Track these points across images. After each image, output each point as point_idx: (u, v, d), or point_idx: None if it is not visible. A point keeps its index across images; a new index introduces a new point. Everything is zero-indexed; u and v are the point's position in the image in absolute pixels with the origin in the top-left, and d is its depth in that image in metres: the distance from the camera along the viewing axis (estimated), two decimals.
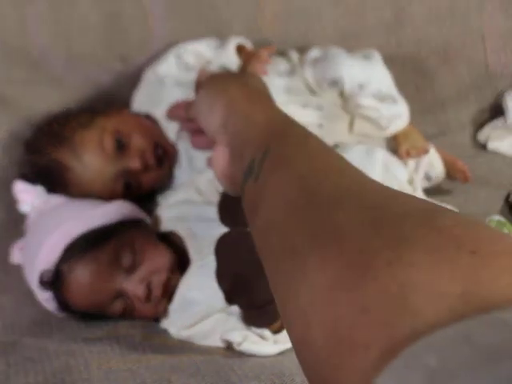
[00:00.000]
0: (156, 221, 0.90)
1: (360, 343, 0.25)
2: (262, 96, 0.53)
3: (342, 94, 0.94)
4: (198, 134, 0.63)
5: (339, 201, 0.34)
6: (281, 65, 0.99)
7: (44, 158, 0.91)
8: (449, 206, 0.94)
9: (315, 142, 0.44)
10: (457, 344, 0.21)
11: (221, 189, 0.84)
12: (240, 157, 0.48)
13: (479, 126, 1.11)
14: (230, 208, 0.56)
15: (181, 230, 0.86)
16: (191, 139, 0.65)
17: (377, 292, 0.26)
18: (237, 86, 0.54)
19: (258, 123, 0.47)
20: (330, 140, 0.96)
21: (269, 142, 0.44)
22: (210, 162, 0.59)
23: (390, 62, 1.05)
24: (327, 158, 0.40)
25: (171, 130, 0.97)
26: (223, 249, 0.72)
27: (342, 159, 0.41)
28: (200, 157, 0.93)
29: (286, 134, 0.44)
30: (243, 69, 0.96)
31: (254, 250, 0.72)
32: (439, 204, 0.32)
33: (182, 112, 0.65)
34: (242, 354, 0.75)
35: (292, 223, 0.35)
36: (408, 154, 0.94)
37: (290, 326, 0.32)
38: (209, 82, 0.58)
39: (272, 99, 0.54)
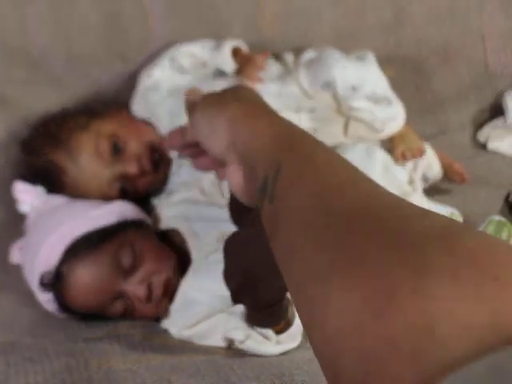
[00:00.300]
0: (157, 219, 0.90)
1: (389, 376, 0.25)
2: (262, 109, 0.52)
3: (335, 97, 0.94)
4: (199, 155, 0.61)
5: (357, 220, 0.33)
6: (274, 68, 0.98)
7: (40, 158, 0.91)
8: (449, 206, 0.94)
9: (324, 152, 0.42)
10: (487, 378, 0.21)
11: (225, 191, 0.84)
12: (253, 175, 0.47)
13: (479, 125, 1.12)
14: (240, 209, 0.56)
15: (182, 228, 0.86)
16: (193, 162, 0.63)
17: (403, 323, 0.25)
18: (235, 102, 0.52)
19: (265, 140, 0.46)
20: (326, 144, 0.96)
21: (279, 159, 0.42)
22: (221, 176, 0.59)
23: (390, 62, 1.05)
24: (338, 170, 0.40)
25: None
26: (232, 247, 0.72)
27: (352, 168, 0.40)
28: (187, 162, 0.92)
29: (294, 148, 0.43)
30: (238, 73, 0.96)
31: (263, 249, 0.72)
32: (460, 222, 0.32)
33: (179, 139, 0.62)
34: (242, 354, 0.75)
35: (311, 247, 0.34)
36: (403, 157, 0.94)
37: (319, 353, 0.31)
38: (203, 102, 0.56)
39: (272, 110, 0.53)
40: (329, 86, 0.92)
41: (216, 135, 0.52)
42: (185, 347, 0.78)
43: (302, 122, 0.94)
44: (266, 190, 0.43)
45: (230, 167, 0.51)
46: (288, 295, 0.72)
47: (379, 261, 0.29)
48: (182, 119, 0.93)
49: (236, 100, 0.53)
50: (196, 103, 0.57)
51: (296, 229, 0.37)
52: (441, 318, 0.25)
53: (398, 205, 0.34)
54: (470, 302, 0.25)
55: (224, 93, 0.55)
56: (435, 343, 0.24)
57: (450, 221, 0.31)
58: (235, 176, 0.51)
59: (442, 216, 0.32)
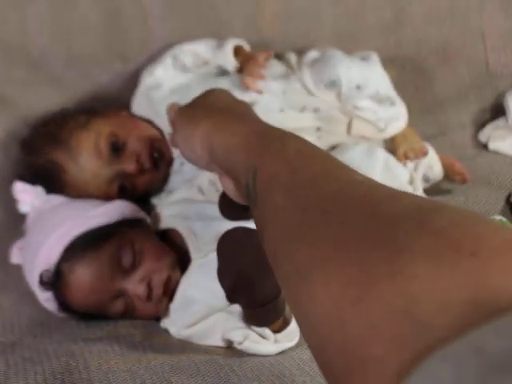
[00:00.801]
0: (156, 218, 0.90)
1: (373, 360, 0.25)
2: (233, 116, 0.52)
3: (339, 96, 0.94)
4: None
5: (331, 212, 0.33)
6: (277, 68, 0.99)
7: (40, 158, 0.91)
8: None
9: (294, 146, 0.43)
10: (470, 355, 0.21)
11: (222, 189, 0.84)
12: (238, 182, 0.48)
13: (480, 126, 1.11)
14: (232, 201, 0.56)
15: (181, 228, 0.86)
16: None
17: (383, 307, 0.26)
18: (205, 119, 0.53)
19: (239, 148, 0.47)
20: (328, 142, 0.96)
21: (254, 163, 0.44)
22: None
23: (390, 62, 1.05)
24: (309, 163, 0.40)
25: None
26: (225, 247, 0.72)
27: (324, 158, 0.41)
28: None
29: (266, 149, 0.44)
30: (240, 72, 0.96)
31: (257, 248, 0.72)
32: (433, 200, 0.32)
33: None
34: (242, 354, 0.74)
35: (291, 244, 0.35)
36: (406, 157, 0.94)
37: (310, 346, 0.32)
38: (178, 121, 0.58)
39: (243, 112, 0.53)
40: (333, 85, 0.93)
41: (195, 153, 0.53)
42: (185, 347, 0.78)
43: (307, 121, 0.94)
44: (249, 195, 0.43)
45: (220, 177, 0.53)
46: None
47: (354, 248, 0.29)
48: None
49: (206, 114, 0.53)
50: (174, 121, 0.59)
51: (277, 229, 0.37)
52: (419, 299, 0.25)
53: (370, 190, 0.34)
54: (448, 279, 0.25)
55: (195, 107, 0.57)
56: (415, 324, 0.24)
57: (422, 200, 0.31)
58: (227, 184, 0.53)
59: (415, 196, 0.32)
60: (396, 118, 0.95)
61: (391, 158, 0.93)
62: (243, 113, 0.53)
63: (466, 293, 0.24)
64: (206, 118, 0.52)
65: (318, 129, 0.95)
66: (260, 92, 0.92)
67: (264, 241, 0.40)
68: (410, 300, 0.25)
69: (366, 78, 0.93)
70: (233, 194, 0.53)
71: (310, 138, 0.94)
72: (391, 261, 0.27)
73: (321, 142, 0.95)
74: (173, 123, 0.60)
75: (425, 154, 0.95)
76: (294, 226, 0.35)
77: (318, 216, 0.34)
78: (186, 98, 0.95)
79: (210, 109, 0.54)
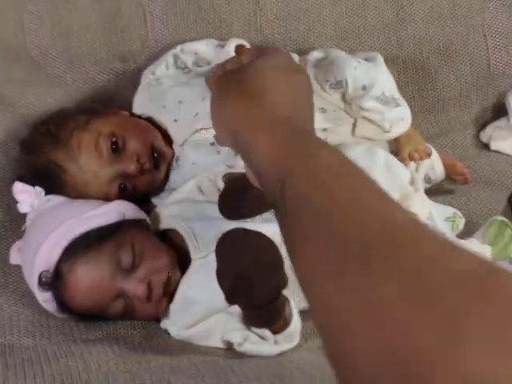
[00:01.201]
0: (156, 218, 0.90)
1: None
2: (264, 102, 0.47)
3: (344, 97, 0.94)
4: None
5: (371, 252, 0.31)
6: None
7: (40, 158, 0.91)
8: (451, 207, 0.94)
9: (326, 162, 0.39)
10: None
11: (222, 188, 0.84)
12: (264, 185, 0.44)
13: (481, 125, 1.11)
14: (231, 200, 0.55)
15: (181, 228, 0.86)
16: None
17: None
18: (235, 96, 0.48)
19: (263, 149, 0.43)
20: (333, 143, 0.95)
21: (281, 175, 0.40)
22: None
23: (391, 61, 1.05)
24: (343, 184, 0.37)
25: (176, 133, 0.96)
26: (224, 248, 0.72)
27: (360, 178, 0.37)
28: (204, 163, 0.92)
29: (295, 159, 0.40)
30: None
31: (256, 249, 0.72)
32: (486, 258, 0.28)
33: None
34: (242, 355, 0.74)
35: (322, 280, 0.33)
36: (411, 158, 0.94)
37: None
38: (214, 86, 0.52)
39: (278, 102, 0.47)
40: (339, 85, 0.93)
41: (221, 132, 0.50)
42: (184, 348, 0.78)
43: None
44: (276, 206, 0.41)
45: (245, 165, 0.50)
46: (284, 293, 0.72)
47: (398, 313, 0.27)
48: (193, 106, 0.93)
49: (238, 95, 0.48)
50: (213, 85, 0.53)
51: (308, 256, 0.35)
52: (480, 380, 0.23)
53: (417, 237, 0.31)
54: (508, 358, 0.23)
55: (232, 79, 0.50)
56: None
57: (477, 259, 0.28)
58: (249, 172, 0.49)
59: (469, 253, 0.29)
60: (401, 118, 0.96)
61: (392, 158, 0.92)
62: (280, 104, 0.47)
63: None
64: (236, 100, 0.48)
65: (325, 129, 0.95)
66: None
67: (293, 262, 0.37)
68: (468, 381, 0.24)
69: (372, 79, 0.93)
70: (255, 183, 0.49)
71: None
72: (443, 338, 0.25)
73: None
74: (212, 80, 0.54)
75: (429, 154, 0.95)
76: (325, 261, 0.33)
77: (356, 263, 0.31)
78: (188, 96, 0.96)
79: (245, 89, 0.48)
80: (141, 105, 0.99)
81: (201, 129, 0.93)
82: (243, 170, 0.86)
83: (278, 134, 0.44)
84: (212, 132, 0.94)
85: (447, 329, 0.25)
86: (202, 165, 0.92)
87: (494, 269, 0.27)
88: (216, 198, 0.85)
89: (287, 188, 0.39)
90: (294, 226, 0.38)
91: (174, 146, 0.96)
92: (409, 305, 0.27)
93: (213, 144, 0.93)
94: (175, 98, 0.95)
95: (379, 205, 0.35)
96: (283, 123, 0.45)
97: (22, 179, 0.91)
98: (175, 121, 0.96)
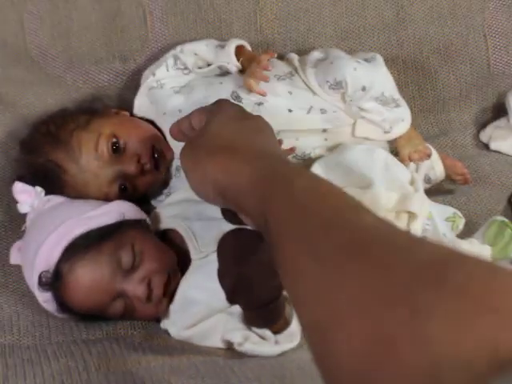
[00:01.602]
0: (156, 219, 0.90)
1: None
2: (234, 150, 0.50)
3: (344, 97, 0.94)
4: None
5: (344, 263, 0.33)
6: (281, 68, 0.98)
7: (40, 158, 0.91)
8: (451, 207, 0.94)
9: (301, 185, 0.42)
10: None
11: None
12: (256, 224, 0.47)
13: (481, 125, 1.11)
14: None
15: (181, 228, 0.86)
16: None
17: (406, 371, 0.26)
18: (207, 159, 0.51)
19: (245, 190, 0.46)
20: (333, 144, 0.96)
21: (262, 208, 0.42)
22: None
23: (391, 61, 1.05)
24: (320, 204, 0.39)
25: (177, 143, 0.96)
26: (226, 248, 0.72)
27: (335, 197, 0.40)
28: None
29: (272, 190, 0.43)
30: (242, 72, 0.95)
31: (256, 249, 0.72)
32: (452, 250, 0.30)
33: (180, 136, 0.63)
34: (242, 355, 0.74)
35: (310, 297, 0.34)
36: (411, 158, 0.94)
37: None
38: (183, 166, 0.56)
39: (244, 143, 0.51)
40: (339, 86, 0.92)
41: (209, 198, 0.53)
42: (184, 348, 0.78)
43: (314, 122, 0.94)
44: (265, 239, 0.43)
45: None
46: (285, 293, 0.72)
47: (371, 306, 0.29)
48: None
49: (209, 158, 0.51)
50: (182, 165, 0.57)
51: (293, 279, 0.37)
52: (442, 362, 0.25)
53: (385, 238, 0.34)
54: (468, 339, 0.25)
55: (196, 149, 0.54)
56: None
57: (439, 250, 0.30)
58: (245, 219, 0.51)
59: (433, 245, 0.31)
60: (401, 119, 0.95)
61: (392, 158, 0.92)
62: (246, 147, 0.50)
63: (487, 351, 0.24)
64: (211, 162, 0.51)
65: (325, 130, 0.95)
66: (264, 94, 0.92)
67: (285, 287, 0.40)
68: (433, 364, 0.25)
69: (372, 80, 0.93)
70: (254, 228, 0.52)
71: (317, 139, 0.94)
72: (410, 321, 0.27)
73: (327, 144, 0.95)
74: (181, 161, 0.58)
75: (429, 155, 0.95)
76: (311, 280, 0.35)
77: (331, 269, 0.33)
78: (188, 98, 0.96)
79: (212, 149, 0.52)
80: (142, 107, 0.99)
81: None
82: None
83: (253, 165, 0.47)
84: None
85: (410, 314, 0.27)
86: None
87: (458, 256, 0.30)
88: None
89: (269, 219, 0.41)
90: (279, 257, 0.40)
91: (175, 156, 0.96)
92: (377, 296, 0.29)
93: None
94: (175, 107, 0.95)
95: (352, 214, 0.37)
96: (259, 159, 0.48)
97: (22, 179, 0.91)
98: None
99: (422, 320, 0.26)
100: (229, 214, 0.62)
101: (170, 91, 0.97)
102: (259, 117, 0.57)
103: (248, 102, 0.91)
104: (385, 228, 0.35)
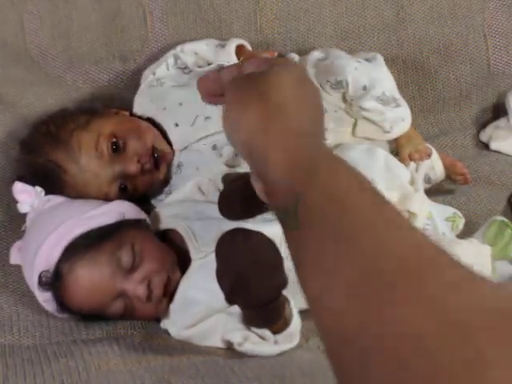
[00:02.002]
0: (156, 219, 0.90)
1: None
2: (285, 116, 0.45)
3: (344, 97, 0.94)
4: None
5: (395, 281, 0.31)
6: None
7: (40, 158, 0.91)
8: (451, 207, 0.94)
9: (345, 181, 0.39)
10: None
11: (222, 188, 0.84)
12: (273, 196, 0.43)
13: (481, 125, 1.11)
14: (231, 201, 0.55)
15: (181, 228, 0.86)
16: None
17: None
18: (255, 104, 0.45)
19: (280, 162, 0.41)
20: (333, 144, 0.95)
21: (297, 189, 0.39)
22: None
23: (391, 61, 1.05)
24: (362, 203, 0.36)
25: (177, 138, 0.96)
26: (224, 248, 0.72)
27: (379, 199, 0.37)
28: (207, 167, 0.92)
29: (313, 176, 0.39)
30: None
31: (255, 249, 0.72)
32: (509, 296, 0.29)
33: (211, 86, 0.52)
34: (242, 355, 0.74)
35: (343, 300, 0.32)
36: (411, 158, 0.94)
37: None
38: (228, 93, 0.49)
39: (299, 116, 0.46)
40: (340, 85, 0.93)
41: (236, 143, 0.47)
42: (184, 348, 0.78)
43: None
44: (285, 220, 0.40)
45: (252, 174, 0.48)
46: (284, 293, 0.72)
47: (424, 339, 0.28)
48: (193, 109, 0.94)
49: (258, 104, 0.45)
50: (226, 91, 0.49)
51: (325, 271, 0.34)
52: None
53: (439, 261, 0.31)
54: None
55: (250, 86, 0.47)
56: None
57: (496, 294, 0.29)
58: (256, 183, 0.48)
59: (491, 284, 0.30)
60: (401, 119, 0.96)
61: (392, 158, 0.92)
62: (299, 118, 0.45)
63: None
64: (257, 109, 0.45)
65: (325, 130, 0.95)
66: None
67: (300, 277, 0.37)
68: None
69: (373, 80, 0.93)
70: (259, 191, 0.48)
71: None
72: (473, 366, 0.26)
73: (327, 143, 0.95)
74: (225, 91, 0.50)
75: (429, 155, 0.95)
76: (342, 278, 0.33)
77: (378, 284, 0.31)
78: (189, 92, 0.96)
79: (265, 98, 0.45)
80: (141, 106, 0.99)
81: (204, 137, 0.94)
82: (243, 171, 0.86)
83: (298, 148, 0.42)
84: (214, 137, 0.95)
85: (474, 357, 0.26)
86: (205, 169, 0.92)
87: None
88: (216, 198, 0.85)
89: (303, 202, 0.38)
90: (308, 242, 0.37)
91: (175, 151, 0.96)
92: (435, 331, 0.28)
93: (215, 148, 0.93)
94: (175, 100, 0.96)
95: (404, 229, 0.35)
96: (303, 136, 0.44)
97: (22, 179, 0.91)
98: (176, 125, 0.96)
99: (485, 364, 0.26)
100: (226, 211, 0.61)
101: (170, 88, 0.97)
102: (318, 90, 0.51)
103: None
104: (439, 253, 0.32)
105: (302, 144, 0.43)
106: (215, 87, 0.51)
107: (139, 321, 0.84)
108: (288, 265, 0.71)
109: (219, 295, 0.74)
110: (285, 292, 0.72)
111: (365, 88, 0.93)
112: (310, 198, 0.38)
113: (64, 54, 1.00)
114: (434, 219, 0.89)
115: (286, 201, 0.39)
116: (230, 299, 0.72)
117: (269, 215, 0.80)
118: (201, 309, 0.79)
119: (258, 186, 0.48)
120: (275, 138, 0.43)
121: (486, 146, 1.09)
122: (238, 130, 0.46)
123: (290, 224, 0.39)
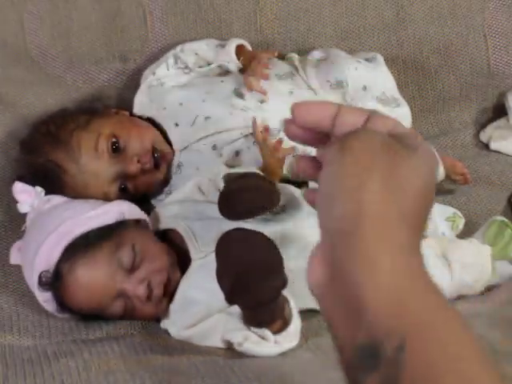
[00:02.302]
0: (156, 219, 0.90)
1: None
2: (400, 230, 0.34)
3: (344, 97, 0.94)
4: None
5: None
6: (281, 67, 0.98)
7: (40, 158, 0.91)
8: (451, 207, 0.94)
9: (460, 338, 0.31)
10: None
11: (222, 187, 0.84)
12: (348, 314, 0.33)
13: (482, 125, 1.11)
14: (231, 201, 0.55)
15: (181, 228, 0.86)
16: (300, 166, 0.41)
17: None
18: (381, 192, 0.34)
19: (379, 287, 0.32)
20: None
21: (400, 330, 0.31)
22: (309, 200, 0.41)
23: (392, 61, 1.05)
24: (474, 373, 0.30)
25: (177, 138, 0.96)
26: (223, 248, 0.72)
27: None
28: (207, 167, 0.92)
29: (422, 326, 0.31)
30: (243, 71, 0.95)
31: (255, 249, 0.72)
32: None
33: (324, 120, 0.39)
34: (242, 355, 0.74)
35: None
36: None
37: None
38: (346, 152, 0.36)
39: (417, 226, 0.35)
40: (340, 85, 0.93)
41: (331, 208, 0.35)
42: (185, 348, 0.78)
43: None
44: (372, 361, 0.31)
45: (314, 258, 0.36)
46: (284, 293, 0.72)
47: None
48: (193, 109, 0.94)
49: (385, 184, 0.34)
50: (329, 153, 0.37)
51: None
52: None
53: None
54: None
55: (373, 153, 0.35)
56: None
57: None
58: (314, 270, 0.36)
59: None
60: (401, 119, 0.95)
61: None
62: (418, 218, 0.35)
63: None
64: (382, 190, 0.34)
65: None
66: (264, 93, 0.92)
67: None
68: None
69: (373, 80, 0.94)
70: (315, 283, 0.36)
71: None
72: None
73: None
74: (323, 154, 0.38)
75: None
76: None
77: None
78: (189, 92, 0.96)
79: (399, 181, 0.35)
80: (141, 105, 0.99)
81: (204, 137, 0.94)
82: (243, 170, 0.87)
83: (412, 265, 0.33)
84: (214, 137, 0.95)
85: None
86: (205, 169, 0.92)
87: None
88: (216, 198, 0.85)
89: (409, 347, 0.30)
90: None
91: (175, 151, 0.96)
92: None
93: (215, 148, 0.93)
94: (175, 100, 0.96)
95: None
96: (418, 249, 0.34)
97: (22, 179, 0.91)
98: (176, 125, 0.96)
99: None
100: (226, 211, 0.61)
101: (170, 88, 0.97)
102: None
103: (250, 100, 0.92)
104: None
105: (415, 262, 0.33)
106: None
107: (139, 321, 0.84)
108: (288, 265, 0.71)
109: (219, 295, 0.74)
110: (285, 292, 0.72)
111: (365, 88, 0.93)
112: (418, 350, 0.30)
113: (64, 53, 1.00)
114: (434, 219, 0.89)
115: (380, 338, 0.31)
116: (230, 299, 0.72)
117: (268, 215, 0.81)
118: (201, 309, 0.79)
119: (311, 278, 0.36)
120: (381, 247, 0.33)
121: (486, 146, 1.09)
122: (341, 195, 0.35)
123: (378, 367, 0.31)
